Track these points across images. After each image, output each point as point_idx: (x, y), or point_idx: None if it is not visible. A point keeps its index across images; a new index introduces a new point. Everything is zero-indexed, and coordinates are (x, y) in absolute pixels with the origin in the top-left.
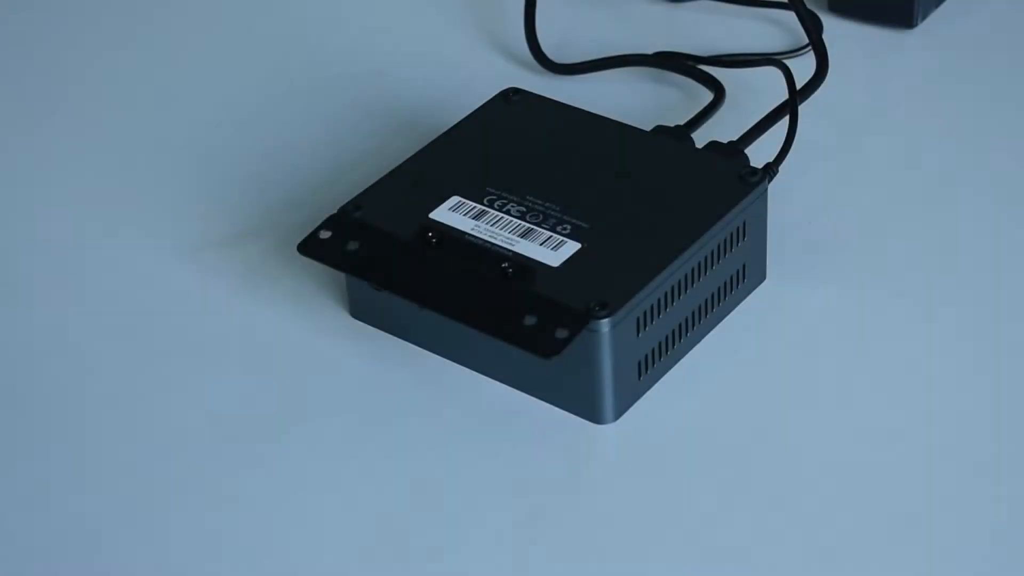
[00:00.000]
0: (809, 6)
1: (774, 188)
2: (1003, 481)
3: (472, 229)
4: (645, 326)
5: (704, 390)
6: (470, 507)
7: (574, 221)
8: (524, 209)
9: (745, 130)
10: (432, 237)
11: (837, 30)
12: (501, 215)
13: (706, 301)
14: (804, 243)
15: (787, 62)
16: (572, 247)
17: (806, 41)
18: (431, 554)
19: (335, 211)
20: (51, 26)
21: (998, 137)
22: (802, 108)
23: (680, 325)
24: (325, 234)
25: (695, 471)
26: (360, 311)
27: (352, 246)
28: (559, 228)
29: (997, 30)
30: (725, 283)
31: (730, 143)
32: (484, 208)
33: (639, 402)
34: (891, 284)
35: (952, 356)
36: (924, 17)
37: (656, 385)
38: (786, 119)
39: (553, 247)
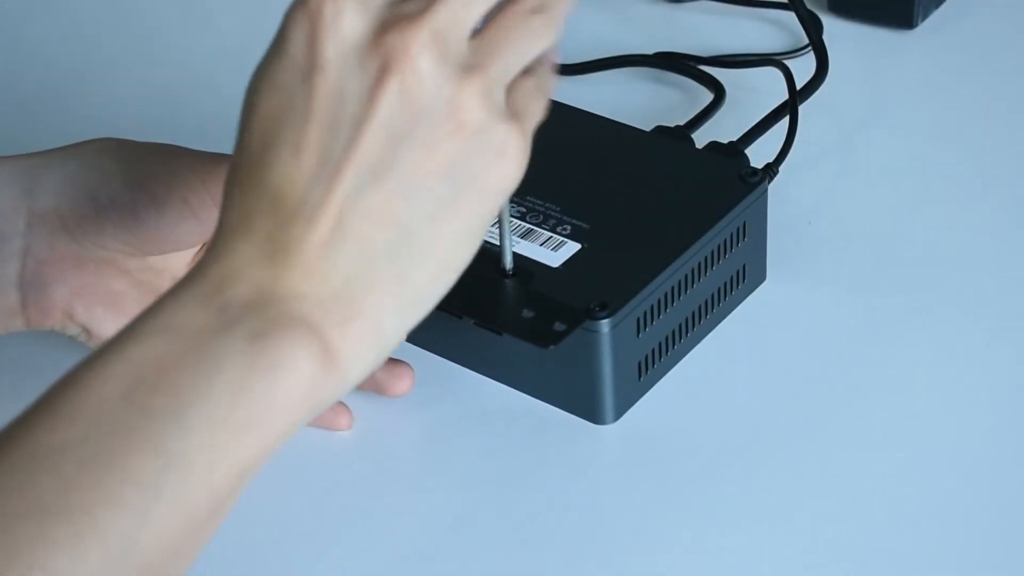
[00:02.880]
0: (809, 6)
1: (774, 188)
2: (1005, 481)
3: None
4: (645, 326)
5: (704, 390)
6: (470, 507)
7: (574, 221)
8: (524, 210)
9: (745, 130)
10: None
11: (837, 30)
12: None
13: (706, 301)
14: (804, 243)
15: (787, 62)
16: (572, 247)
17: (806, 41)
18: (430, 554)
19: None
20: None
21: (998, 137)
22: (802, 108)
23: (680, 325)
24: None
25: (695, 471)
26: None
27: None
28: (559, 228)
29: (997, 30)
30: (725, 283)
31: (730, 143)
32: None
33: (639, 402)
34: (891, 284)
35: (952, 355)
36: (924, 17)
37: (656, 385)
38: (786, 119)
39: (553, 247)
